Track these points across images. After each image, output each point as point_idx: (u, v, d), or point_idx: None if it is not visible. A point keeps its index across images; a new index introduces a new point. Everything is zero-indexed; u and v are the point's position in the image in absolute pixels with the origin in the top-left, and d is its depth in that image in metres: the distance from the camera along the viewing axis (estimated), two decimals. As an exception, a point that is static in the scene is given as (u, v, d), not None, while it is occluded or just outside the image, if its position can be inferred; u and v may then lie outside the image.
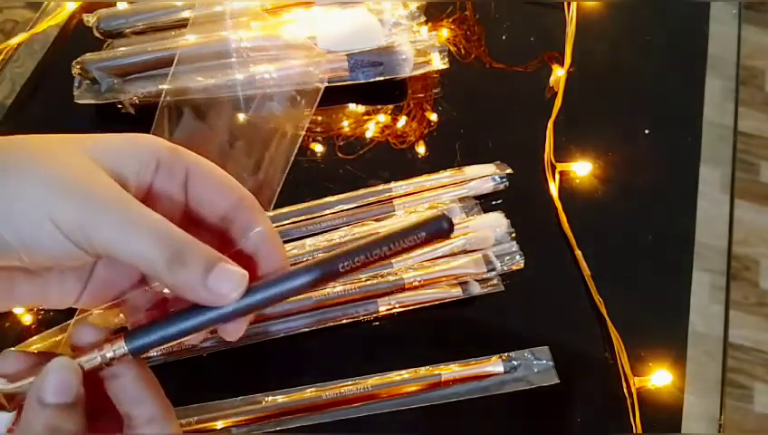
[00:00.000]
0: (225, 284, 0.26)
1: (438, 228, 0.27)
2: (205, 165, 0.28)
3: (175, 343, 0.27)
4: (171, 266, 0.25)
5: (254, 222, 0.28)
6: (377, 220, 0.50)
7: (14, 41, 0.59)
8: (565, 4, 0.64)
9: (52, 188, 0.24)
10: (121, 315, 0.29)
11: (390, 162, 0.54)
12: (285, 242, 0.49)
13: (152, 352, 0.44)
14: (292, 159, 0.46)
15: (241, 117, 0.53)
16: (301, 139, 0.48)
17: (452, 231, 0.27)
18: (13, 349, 0.29)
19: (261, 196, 0.29)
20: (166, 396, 0.28)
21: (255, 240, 0.28)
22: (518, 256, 0.49)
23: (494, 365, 0.45)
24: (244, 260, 0.28)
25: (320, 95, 0.49)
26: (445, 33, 0.62)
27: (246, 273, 0.26)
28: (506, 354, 0.45)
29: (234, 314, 0.26)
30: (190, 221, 0.28)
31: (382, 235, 0.27)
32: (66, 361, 0.26)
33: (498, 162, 0.54)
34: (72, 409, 0.25)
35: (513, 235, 0.50)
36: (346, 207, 0.51)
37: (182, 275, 0.25)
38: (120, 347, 0.26)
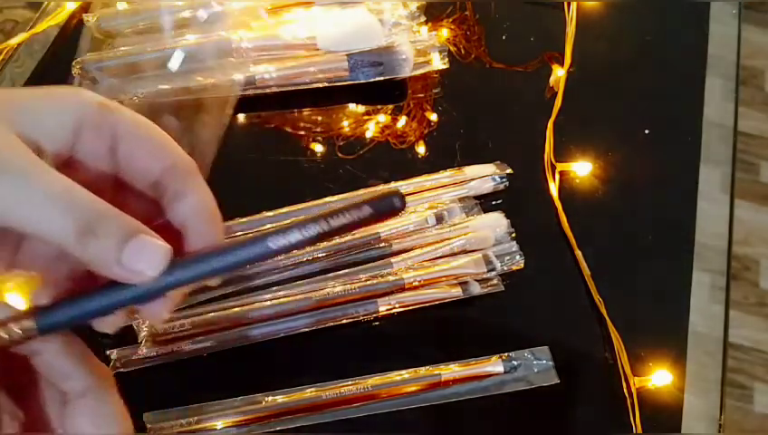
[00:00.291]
0: (143, 259, 0.23)
1: (389, 206, 0.24)
2: (136, 122, 0.26)
3: (90, 321, 0.25)
4: (81, 238, 0.22)
5: (188, 190, 0.25)
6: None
7: (14, 41, 0.59)
8: (565, 4, 0.64)
9: None
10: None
11: (390, 162, 0.54)
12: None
13: (151, 353, 0.44)
14: (228, 120, 0.45)
15: (173, 67, 0.53)
16: (236, 99, 0.46)
17: (404, 208, 0.24)
18: None
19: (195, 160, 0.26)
20: (101, 365, 0.26)
21: (187, 211, 0.25)
22: (518, 256, 0.49)
23: (494, 365, 0.44)
24: (174, 233, 0.25)
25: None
26: (445, 33, 0.62)
27: (169, 247, 0.24)
28: (506, 354, 0.45)
29: (152, 294, 0.24)
30: (121, 187, 0.26)
31: (322, 211, 0.24)
32: None
33: (498, 162, 0.54)
34: None
35: (513, 235, 0.50)
36: (346, 207, 0.51)
37: (93, 248, 0.22)
38: (29, 325, 0.24)
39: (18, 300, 0.25)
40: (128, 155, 0.25)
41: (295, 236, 0.24)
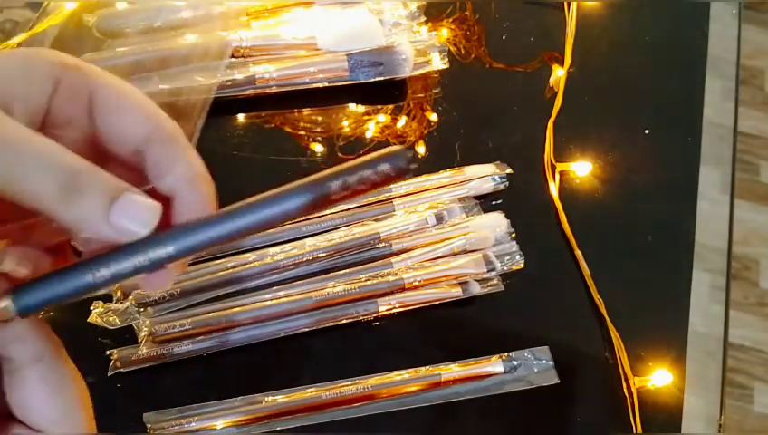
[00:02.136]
0: (132, 217, 0.21)
1: (397, 166, 0.21)
2: (115, 85, 0.24)
3: (77, 299, 0.23)
4: (65, 197, 0.21)
5: (175, 155, 0.24)
6: (377, 220, 0.50)
7: (14, 41, 0.59)
8: (565, 4, 0.64)
9: None
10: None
11: (390, 162, 0.54)
12: (284, 242, 0.49)
13: (151, 353, 0.44)
14: (201, 125, 0.44)
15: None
16: (209, 103, 0.46)
17: (410, 171, 0.21)
18: None
19: (180, 125, 0.25)
20: (51, 331, 0.24)
21: (175, 177, 0.23)
22: (518, 256, 0.49)
23: (494, 365, 0.45)
24: (161, 201, 0.23)
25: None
26: (445, 33, 0.62)
27: (159, 205, 0.22)
28: (506, 354, 0.45)
29: (154, 266, 0.22)
30: (99, 155, 0.24)
31: (332, 170, 0.21)
32: None
33: (498, 162, 0.54)
34: None
35: (513, 235, 0.50)
36: (346, 206, 0.51)
37: (79, 207, 0.21)
38: (7, 307, 0.22)
39: None
40: (106, 119, 0.24)
41: (287, 205, 0.21)
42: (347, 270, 0.48)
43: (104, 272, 0.22)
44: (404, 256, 0.48)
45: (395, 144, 0.56)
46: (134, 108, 0.24)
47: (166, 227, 0.22)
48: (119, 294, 0.46)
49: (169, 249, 0.22)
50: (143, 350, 0.44)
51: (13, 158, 0.20)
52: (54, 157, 0.21)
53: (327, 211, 0.51)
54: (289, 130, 0.56)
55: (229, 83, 0.54)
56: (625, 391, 0.45)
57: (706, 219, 0.53)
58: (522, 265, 0.49)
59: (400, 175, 0.21)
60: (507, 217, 0.50)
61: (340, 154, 0.55)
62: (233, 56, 0.55)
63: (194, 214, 0.23)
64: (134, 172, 0.24)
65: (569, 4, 0.63)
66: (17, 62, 0.23)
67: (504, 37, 0.63)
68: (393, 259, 0.48)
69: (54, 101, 0.23)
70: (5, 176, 0.20)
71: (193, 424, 0.41)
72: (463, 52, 0.61)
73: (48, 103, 0.23)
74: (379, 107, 0.58)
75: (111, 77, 0.24)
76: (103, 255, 0.22)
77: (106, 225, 0.21)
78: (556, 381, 0.45)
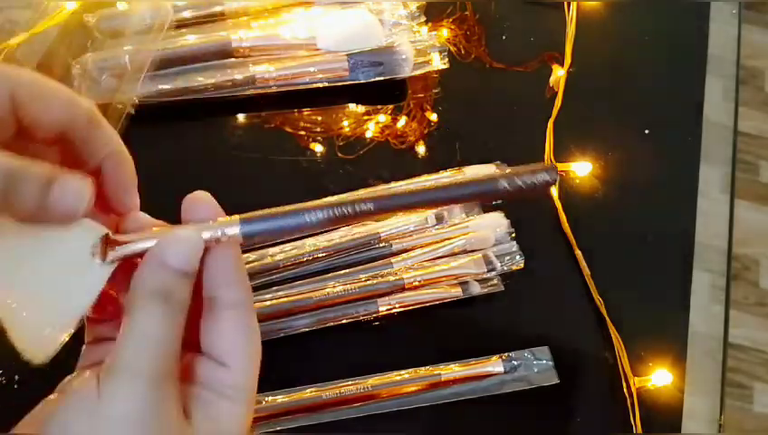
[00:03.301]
0: (68, 193, 0.24)
1: (552, 177, 0.27)
2: (33, 77, 0.26)
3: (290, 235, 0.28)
4: (6, 194, 0.23)
5: (96, 137, 0.27)
6: (377, 220, 0.50)
7: (14, 41, 0.59)
8: (565, 4, 0.64)
9: None
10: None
11: (390, 162, 0.54)
12: (285, 242, 0.49)
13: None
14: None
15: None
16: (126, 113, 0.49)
17: (553, 185, 0.27)
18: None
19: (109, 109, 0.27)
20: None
21: (100, 156, 0.27)
22: (518, 256, 0.49)
23: (494, 365, 0.45)
24: (92, 176, 0.26)
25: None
26: (445, 33, 0.62)
27: (89, 179, 0.25)
28: (506, 354, 0.45)
29: (355, 215, 0.27)
30: (29, 146, 0.26)
31: (500, 173, 0.28)
32: (196, 234, 0.26)
33: (498, 162, 0.54)
34: (188, 279, 0.25)
35: (513, 235, 0.50)
36: (346, 207, 0.51)
37: (19, 204, 0.23)
38: (234, 229, 0.26)
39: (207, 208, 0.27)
40: (29, 108, 0.26)
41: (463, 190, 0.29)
42: (347, 270, 0.48)
43: (320, 215, 0.27)
44: (404, 256, 0.48)
45: (395, 144, 0.56)
46: (53, 94, 0.26)
47: (101, 198, 0.26)
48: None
49: (370, 205, 0.27)
50: (143, 350, 0.44)
51: None
52: None
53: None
54: (289, 130, 0.56)
55: (229, 83, 0.54)
56: (625, 391, 0.45)
57: (706, 219, 0.53)
58: (522, 265, 0.49)
59: (548, 187, 0.28)
60: (507, 217, 0.50)
61: (339, 154, 0.55)
62: (233, 56, 0.55)
63: (119, 184, 0.27)
64: (60, 155, 0.27)
65: (569, 4, 0.63)
66: None
67: (504, 37, 0.63)
68: (393, 259, 0.48)
69: None
70: None
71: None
72: (463, 52, 0.61)
73: None
74: (379, 107, 0.58)
75: (27, 71, 0.26)
76: (315, 203, 0.27)
77: (46, 207, 0.24)
78: (556, 381, 0.45)
